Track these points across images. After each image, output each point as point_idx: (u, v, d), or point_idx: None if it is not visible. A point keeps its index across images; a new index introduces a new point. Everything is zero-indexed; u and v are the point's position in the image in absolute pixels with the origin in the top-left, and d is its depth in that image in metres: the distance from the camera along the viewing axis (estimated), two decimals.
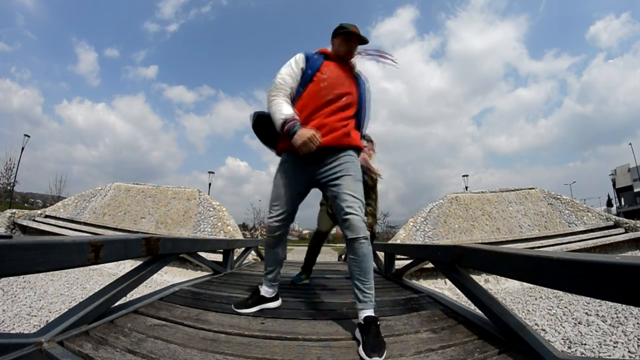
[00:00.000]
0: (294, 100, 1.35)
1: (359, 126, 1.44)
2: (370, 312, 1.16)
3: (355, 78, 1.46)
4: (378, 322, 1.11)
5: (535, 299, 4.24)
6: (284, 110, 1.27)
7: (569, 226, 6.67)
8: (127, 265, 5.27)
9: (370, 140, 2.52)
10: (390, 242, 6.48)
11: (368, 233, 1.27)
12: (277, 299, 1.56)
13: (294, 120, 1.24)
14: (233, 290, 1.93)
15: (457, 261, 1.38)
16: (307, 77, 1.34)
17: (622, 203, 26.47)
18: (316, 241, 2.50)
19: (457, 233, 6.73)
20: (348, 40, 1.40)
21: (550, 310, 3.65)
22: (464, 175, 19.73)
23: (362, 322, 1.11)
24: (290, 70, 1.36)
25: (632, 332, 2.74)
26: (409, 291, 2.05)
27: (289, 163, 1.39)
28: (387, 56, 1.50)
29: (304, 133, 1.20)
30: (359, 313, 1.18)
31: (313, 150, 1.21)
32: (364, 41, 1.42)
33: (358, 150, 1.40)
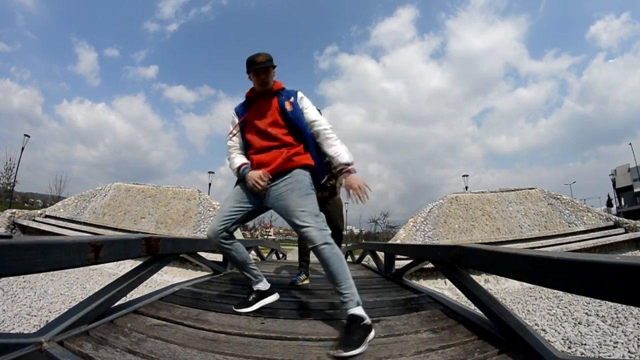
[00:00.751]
0: (247, 148, 1.54)
1: (305, 139, 1.45)
2: (354, 310, 1.16)
3: (278, 101, 1.47)
4: (362, 322, 1.11)
5: (535, 299, 4.24)
6: (235, 162, 1.52)
7: (569, 226, 6.67)
8: (127, 265, 5.27)
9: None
10: (390, 242, 6.48)
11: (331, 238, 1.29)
12: (274, 292, 1.61)
13: (243, 166, 1.48)
14: (233, 290, 1.94)
15: (457, 261, 1.38)
16: (241, 128, 1.54)
17: (622, 203, 26.46)
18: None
19: (457, 233, 6.73)
20: (257, 73, 1.45)
21: (550, 310, 3.65)
22: (464, 175, 19.81)
23: (345, 320, 1.13)
24: (230, 130, 1.58)
25: (632, 332, 2.74)
26: (409, 291, 2.05)
27: (242, 182, 1.48)
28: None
29: (251, 175, 1.41)
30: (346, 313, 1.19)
31: (261, 190, 1.39)
32: (272, 65, 1.45)
33: (306, 167, 1.44)
